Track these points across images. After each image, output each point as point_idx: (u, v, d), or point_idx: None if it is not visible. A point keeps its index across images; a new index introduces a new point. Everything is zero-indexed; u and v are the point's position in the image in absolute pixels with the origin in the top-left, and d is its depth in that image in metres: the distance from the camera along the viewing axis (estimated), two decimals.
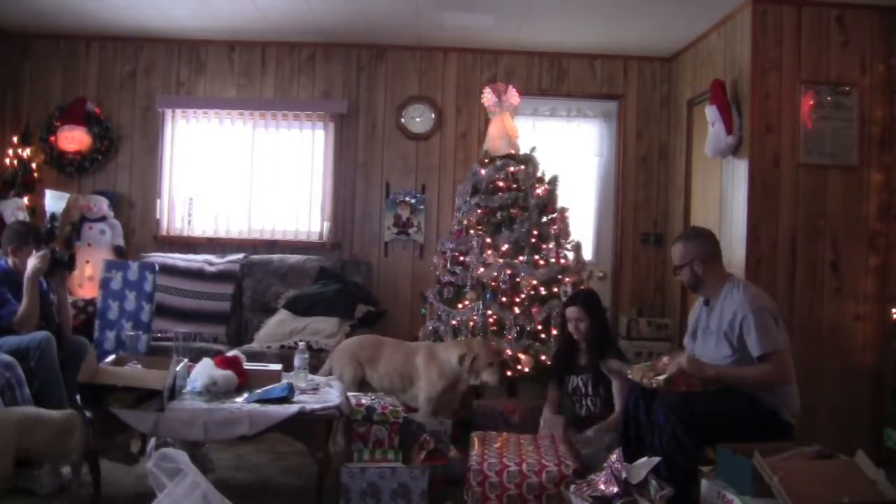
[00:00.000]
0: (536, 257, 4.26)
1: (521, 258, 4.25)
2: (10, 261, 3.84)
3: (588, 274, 4.45)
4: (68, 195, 5.13)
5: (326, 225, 5.48)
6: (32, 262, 3.74)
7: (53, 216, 5.02)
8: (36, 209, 5.29)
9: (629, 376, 3.11)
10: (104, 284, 4.49)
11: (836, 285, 4.18)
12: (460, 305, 4.28)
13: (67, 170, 5.41)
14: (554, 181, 4.52)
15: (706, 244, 3.19)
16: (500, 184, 4.44)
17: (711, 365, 3.00)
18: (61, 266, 3.90)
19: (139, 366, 3.18)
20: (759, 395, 2.91)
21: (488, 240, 4.34)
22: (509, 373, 4.05)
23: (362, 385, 3.78)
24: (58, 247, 4.33)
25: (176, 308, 4.85)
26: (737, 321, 2.96)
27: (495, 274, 4.18)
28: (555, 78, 5.54)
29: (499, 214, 4.42)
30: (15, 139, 5.37)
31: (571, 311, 3.68)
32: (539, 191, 4.42)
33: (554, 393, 3.76)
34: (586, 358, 3.66)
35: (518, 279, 4.17)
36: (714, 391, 2.94)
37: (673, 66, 5.49)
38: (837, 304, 4.17)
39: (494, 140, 4.64)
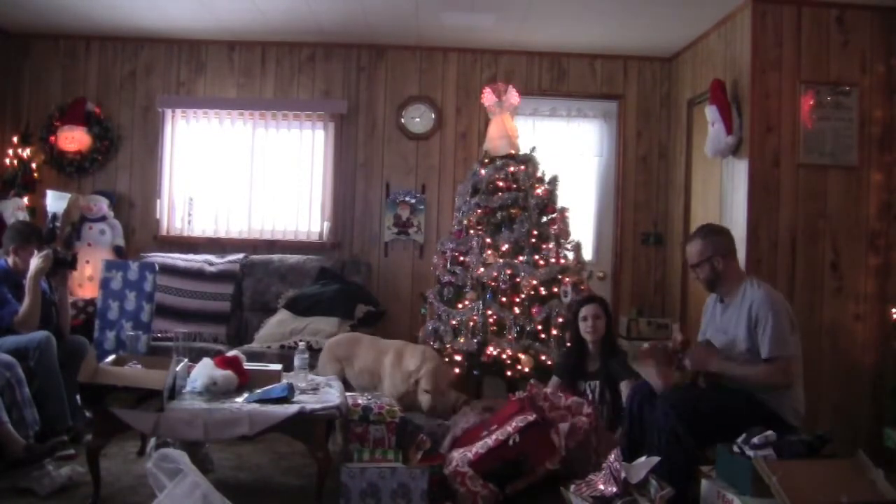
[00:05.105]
0: (536, 257, 4.26)
1: (520, 258, 4.25)
2: (10, 260, 3.84)
3: (588, 274, 4.44)
4: (69, 195, 5.12)
5: (326, 225, 5.48)
6: (35, 262, 3.75)
7: (55, 216, 5.01)
8: (36, 209, 5.29)
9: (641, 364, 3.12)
10: (104, 284, 4.49)
11: (836, 285, 4.18)
12: (460, 305, 4.28)
13: (67, 170, 5.41)
14: (554, 181, 4.52)
15: (725, 240, 3.18)
16: (500, 184, 4.44)
17: (718, 354, 3.03)
18: (64, 266, 3.91)
19: (139, 366, 3.18)
20: (763, 397, 2.91)
21: (488, 240, 4.34)
22: (509, 373, 4.05)
23: (346, 384, 3.76)
24: (59, 247, 4.33)
25: (176, 308, 4.85)
26: (754, 320, 2.94)
27: (495, 274, 4.18)
28: (555, 78, 5.54)
29: (499, 214, 4.42)
30: (15, 139, 5.37)
31: (590, 309, 3.63)
32: (539, 191, 4.42)
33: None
34: (596, 363, 3.62)
35: (518, 279, 4.17)
36: (716, 391, 2.94)
37: (673, 66, 5.48)
38: (837, 304, 4.18)
39: (494, 140, 4.64)
